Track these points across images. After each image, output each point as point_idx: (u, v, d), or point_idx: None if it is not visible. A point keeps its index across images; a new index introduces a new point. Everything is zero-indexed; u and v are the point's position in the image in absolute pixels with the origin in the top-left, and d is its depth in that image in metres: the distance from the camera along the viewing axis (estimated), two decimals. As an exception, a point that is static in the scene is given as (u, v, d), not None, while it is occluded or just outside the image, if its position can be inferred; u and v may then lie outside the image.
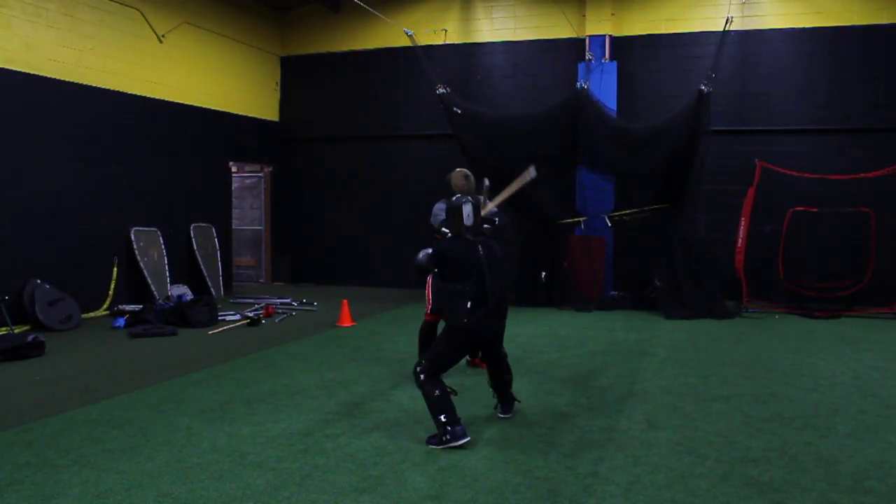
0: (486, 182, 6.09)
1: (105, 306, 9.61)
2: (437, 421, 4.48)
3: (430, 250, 4.90)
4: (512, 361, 6.85)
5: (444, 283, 4.72)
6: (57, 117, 8.99)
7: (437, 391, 4.52)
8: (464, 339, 4.70)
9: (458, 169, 6.44)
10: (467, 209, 4.78)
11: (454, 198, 4.92)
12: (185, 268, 11.03)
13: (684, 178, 9.81)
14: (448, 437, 4.42)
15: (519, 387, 5.92)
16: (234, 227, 12.96)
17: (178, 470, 4.02)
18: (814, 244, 10.44)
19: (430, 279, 6.12)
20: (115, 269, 9.79)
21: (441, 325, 5.06)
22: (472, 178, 6.40)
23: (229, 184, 12.62)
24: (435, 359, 4.64)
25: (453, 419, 4.47)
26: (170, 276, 10.42)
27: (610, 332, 8.51)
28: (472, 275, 4.63)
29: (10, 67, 8.36)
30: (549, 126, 10.60)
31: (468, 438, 4.45)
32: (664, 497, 3.69)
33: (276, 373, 6.38)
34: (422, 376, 4.56)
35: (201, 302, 9.08)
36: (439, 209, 6.19)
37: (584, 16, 11.47)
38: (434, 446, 4.45)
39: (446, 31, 12.34)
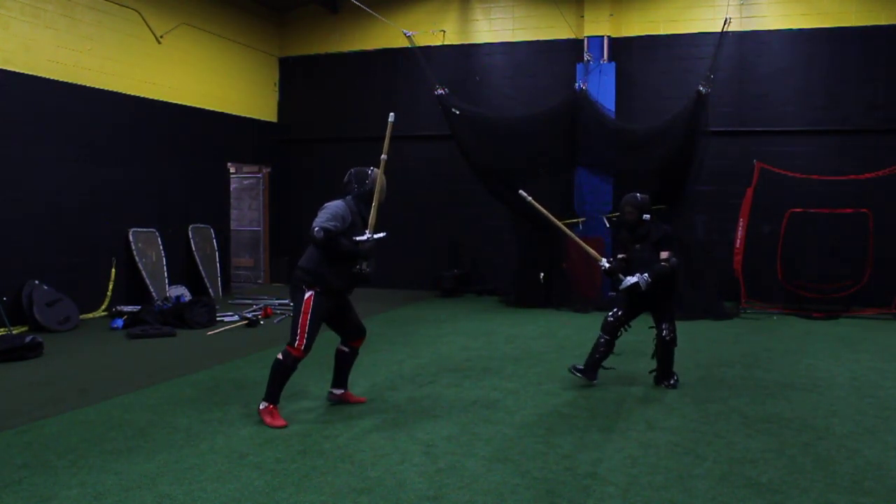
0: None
1: (103, 307, 9.60)
2: (671, 370, 5.96)
3: (673, 259, 5.79)
4: (511, 362, 6.91)
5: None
6: (55, 118, 8.98)
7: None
8: None
9: (377, 169, 5.41)
10: None
11: (642, 195, 5.90)
12: (183, 269, 11.02)
13: (683, 179, 9.82)
14: (677, 378, 5.97)
15: (517, 387, 5.94)
16: (232, 227, 12.95)
17: (176, 471, 4.02)
18: (812, 245, 10.44)
19: (310, 301, 5.05)
20: (114, 269, 9.77)
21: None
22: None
23: (228, 185, 12.61)
24: (674, 319, 5.97)
25: None
26: (168, 277, 10.41)
27: (608, 332, 8.48)
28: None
29: (8, 68, 8.34)
30: (548, 127, 10.61)
31: None
32: (662, 498, 3.69)
33: (274, 374, 6.36)
34: (673, 335, 5.89)
35: (200, 303, 9.08)
36: (336, 207, 5.19)
37: (582, 17, 11.46)
38: (675, 388, 5.87)
39: (445, 32, 12.34)
